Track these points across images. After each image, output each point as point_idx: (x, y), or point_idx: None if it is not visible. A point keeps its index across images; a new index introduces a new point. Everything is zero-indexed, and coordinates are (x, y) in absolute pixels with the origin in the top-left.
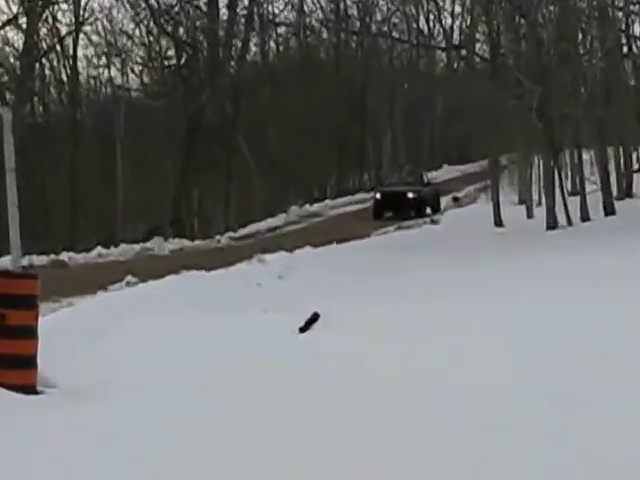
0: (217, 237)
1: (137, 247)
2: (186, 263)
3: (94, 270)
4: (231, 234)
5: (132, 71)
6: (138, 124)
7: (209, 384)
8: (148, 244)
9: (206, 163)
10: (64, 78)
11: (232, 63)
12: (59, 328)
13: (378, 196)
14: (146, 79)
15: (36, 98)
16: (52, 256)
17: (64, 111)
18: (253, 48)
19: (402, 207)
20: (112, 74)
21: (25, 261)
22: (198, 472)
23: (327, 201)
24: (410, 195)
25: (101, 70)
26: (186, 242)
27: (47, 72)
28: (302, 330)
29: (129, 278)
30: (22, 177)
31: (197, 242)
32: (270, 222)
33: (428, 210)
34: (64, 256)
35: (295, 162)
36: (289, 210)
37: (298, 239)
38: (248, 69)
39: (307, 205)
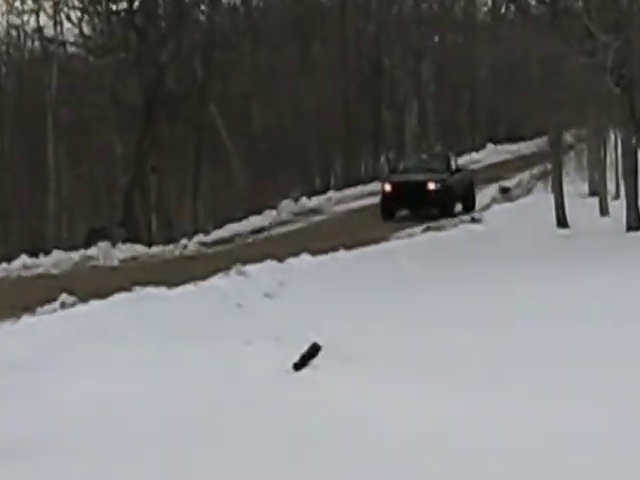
0: (183, 242)
1: (75, 256)
2: (141, 277)
3: (17, 287)
4: (202, 238)
5: (68, 19)
6: (76, 91)
7: (162, 453)
8: (90, 252)
9: (168, 144)
10: None
11: (202, 8)
12: None
13: (388, 187)
14: (87, 30)
15: None
16: None
17: None
18: None
19: (421, 202)
20: (41, 23)
21: None
22: None
23: (331, 193)
24: (431, 186)
25: (26, 18)
26: (141, 249)
27: None
28: (297, 367)
29: (64, 297)
30: None
31: (156, 249)
32: (254, 222)
33: (458, 207)
34: None
35: (287, 142)
36: (280, 206)
37: (292, 244)
38: (224, 17)
39: (304, 199)
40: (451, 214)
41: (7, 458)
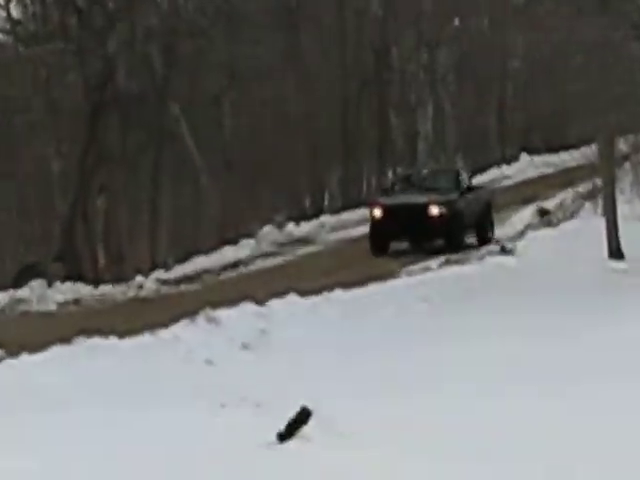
0: (138, 279)
1: (2, 298)
2: (85, 325)
3: None
4: (162, 275)
5: None
6: (3, 90)
7: None
8: (20, 293)
9: (120, 157)
10: None
11: None
12: None
13: (378, 213)
14: (15, 13)
15: None
16: None
17: None
18: None
19: (420, 232)
20: None
21: None
22: None
23: (324, 218)
24: (434, 211)
25: None
26: (85, 289)
27: None
28: (282, 438)
29: None
30: None
31: (104, 288)
32: (228, 254)
33: (471, 238)
34: None
35: (270, 154)
36: (260, 234)
37: (275, 282)
38: None
39: (291, 225)
40: (460, 247)
41: None
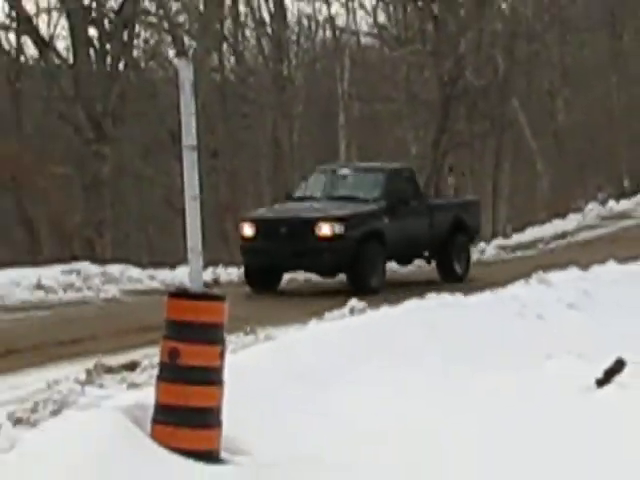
0: (481, 245)
1: None
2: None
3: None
4: (501, 242)
5: (361, 7)
6: (369, 84)
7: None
8: None
9: (466, 142)
10: (265, 17)
11: None
12: (256, 371)
13: (248, 231)
14: (382, 19)
15: (225, 46)
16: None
17: (265, 64)
18: None
19: (305, 260)
20: (333, 11)
21: (209, 275)
22: None
23: None
24: (325, 229)
25: (317, 5)
26: None
27: (242, 9)
28: (600, 384)
29: (353, 303)
30: (206, 160)
31: None
32: (558, 226)
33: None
34: None
35: (596, 141)
36: (585, 209)
37: (597, 251)
38: (528, 5)
39: (612, 202)
40: (365, 289)
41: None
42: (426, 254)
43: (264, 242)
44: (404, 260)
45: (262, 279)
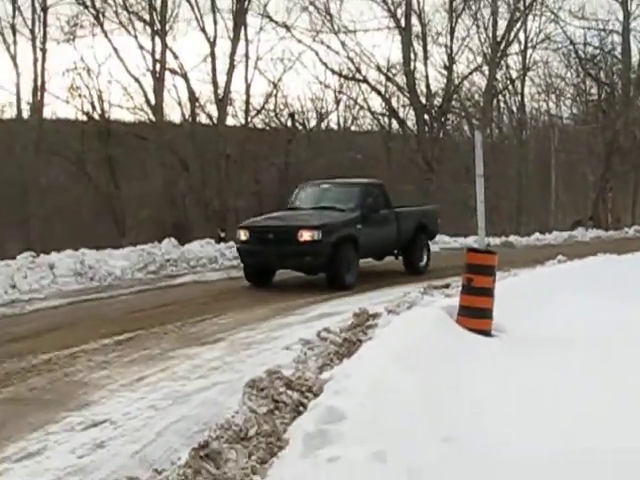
0: (625, 229)
1: (565, 235)
2: (602, 248)
3: (533, 250)
4: (637, 227)
5: (564, 104)
6: (567, 144)
7: None
8: (574, 232)
9: (619, 175)
10: (514, 109)
11: None
12: (508, 291)
13: (243, 235)
14: (574, 110)
15: (494, 124)
16: (503, 238)
17: (513, 134)
18: None
19: (291, 261)
20: (549, 106)
21: (486, 241)
22: None
23: None
24: (306, 235)
25: (541, 103)
26: (601, 232)
27: (502, 105)
28: None
29: (560, 257)
30: (485, 181)
31: (610, 232)
32: None
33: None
34: (512, 239)
35: None
36: None
37: None
38: None
39: None
40: (340, 284)
41: (539, 344)
42: (395, 252)
43: (256, 246)
44: (377, 257)
45: (256, 276)
